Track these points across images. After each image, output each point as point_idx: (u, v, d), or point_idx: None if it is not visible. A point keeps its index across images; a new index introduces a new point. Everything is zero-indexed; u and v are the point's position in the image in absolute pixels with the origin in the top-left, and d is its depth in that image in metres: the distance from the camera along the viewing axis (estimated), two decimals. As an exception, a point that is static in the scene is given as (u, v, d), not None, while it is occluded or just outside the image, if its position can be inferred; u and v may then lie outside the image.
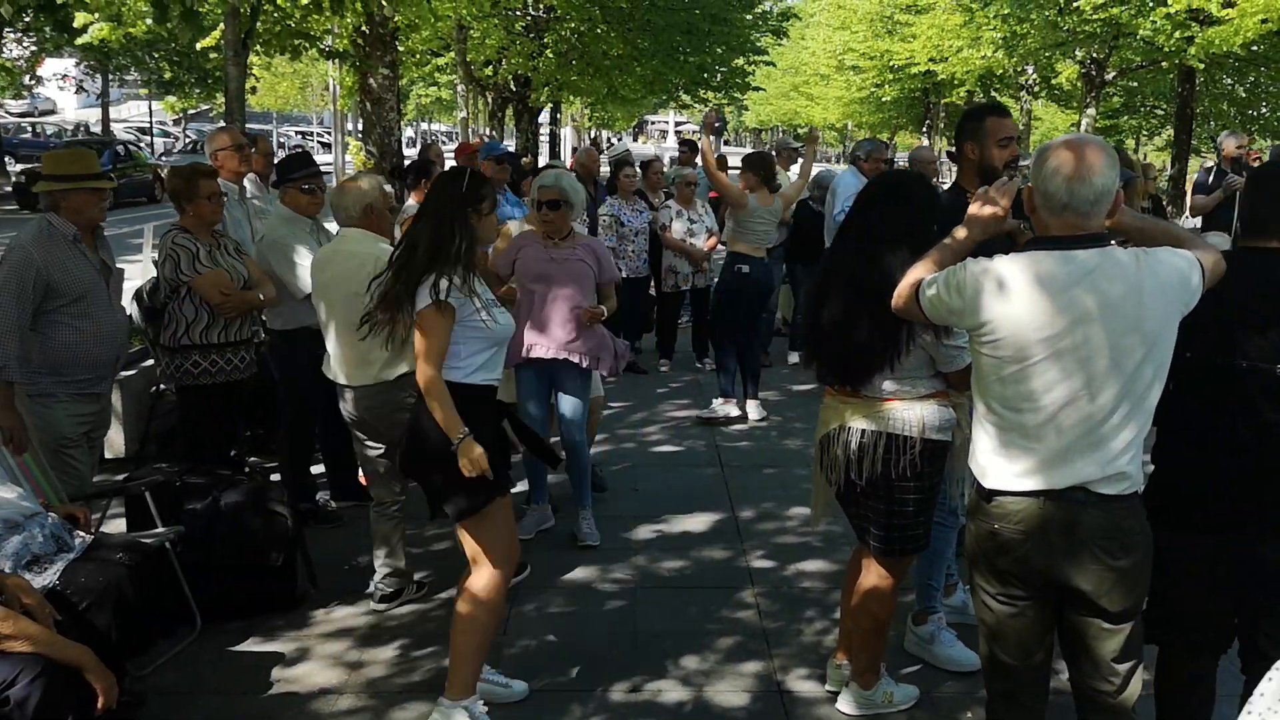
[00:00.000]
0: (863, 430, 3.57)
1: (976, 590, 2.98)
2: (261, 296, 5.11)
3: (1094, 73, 22.83)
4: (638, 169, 9.93)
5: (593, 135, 51.50)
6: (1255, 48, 19.84)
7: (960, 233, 3.05)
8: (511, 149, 15.82)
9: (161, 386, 6.52)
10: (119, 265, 4.96)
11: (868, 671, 3.89)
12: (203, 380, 5.03)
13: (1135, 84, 28.09)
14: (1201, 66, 19.55)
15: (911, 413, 3.53)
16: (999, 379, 2.75)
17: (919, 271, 3.02)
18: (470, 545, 3.72)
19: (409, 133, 49.36)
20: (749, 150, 14.79)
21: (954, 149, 4.36)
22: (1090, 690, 2.89)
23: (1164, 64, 21.31)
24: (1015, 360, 2.70)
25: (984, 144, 3.99)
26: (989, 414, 2.81)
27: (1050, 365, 2.66)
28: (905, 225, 3.46)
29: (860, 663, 3.89)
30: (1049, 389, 2.67)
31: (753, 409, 7.92)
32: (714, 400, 7.94)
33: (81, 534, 3.97)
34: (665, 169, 11.91)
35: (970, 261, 2.81)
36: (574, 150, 21.86)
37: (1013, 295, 2.68)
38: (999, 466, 2.79)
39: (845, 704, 3.93)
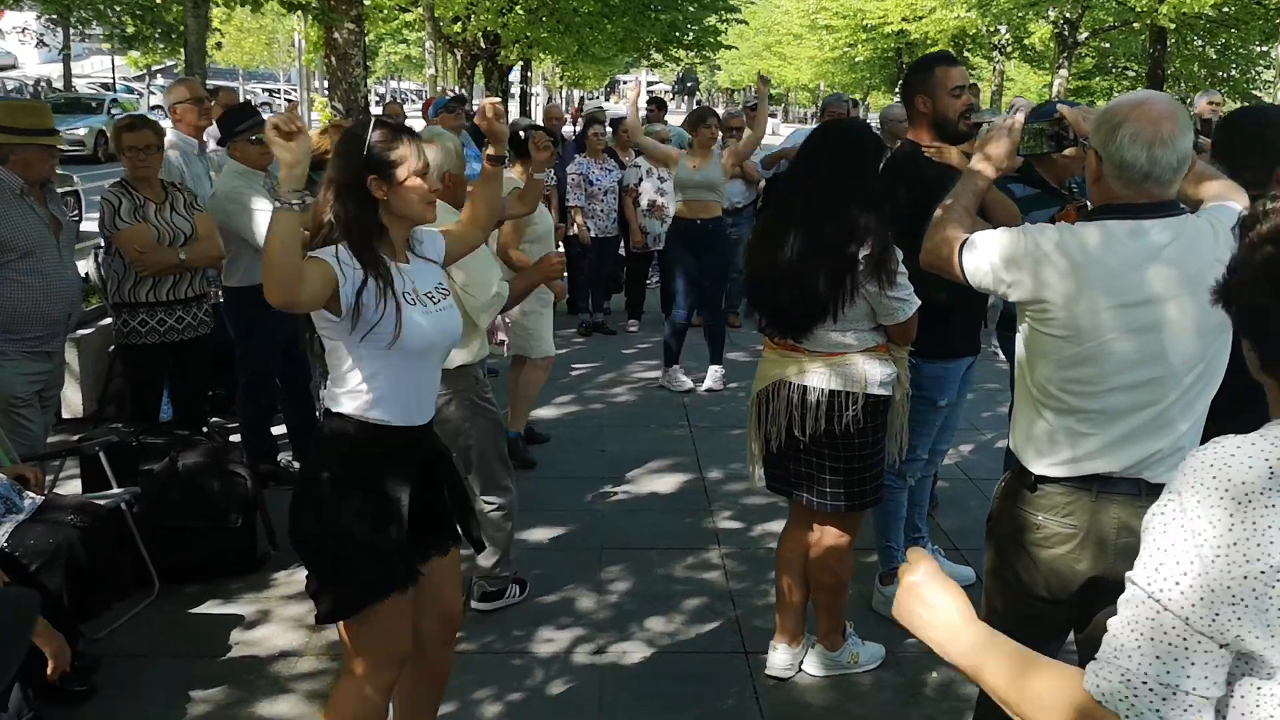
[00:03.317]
0: (805, 386, 3.52)
1: (996, 576, 2.75)
2: (182, 256, 4.88)
3: (1066, 33, 22.80)
4: (607, 127, 9.80)
5: (579, 98, 50.91)
6: (1226, 9, 19.87)
7: (976, 167, 2.85)
8: (469, 104, 15.61)
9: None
10: (85, 222, 4.83)
11: (832, 632, 3.87)
12: (132, 340, 4.93)
13: (1107, 45, 28.11)
14: (1173, 27, 19.55)
15: (854, 368, 3.49)
16: (1058, 359, 2.50)
17: (951, 227, 2.71)
18: (344, 643, 2.89)
19: (380, 90, 48.74)
20: (722, 110, 14.67)
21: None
22: None
23: (1136, 24, 21.29)
24: (1078, 340, 2.45)
25: (935, 94, 3.88)
26: (1042, 395, 2.56)
27: (1119, 346, 2.42)
28: (848, 171, 3.41)
29: (823, 624, 3.88)
30: (1117, 371, 2.44)
31: (709, 377, 7.75)
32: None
33: (32, 495, 3.87)
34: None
35: (1031, 229, 2.53)
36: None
37: (1079, 270, 2.43)
38: (1049, 452, 2.55)
39: (811, 665, 3.91)
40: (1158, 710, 1.30)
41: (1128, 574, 1.37)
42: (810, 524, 3.81)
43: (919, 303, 3.47)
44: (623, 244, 9.58)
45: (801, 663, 3.94)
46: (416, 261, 2.88)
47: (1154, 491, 2.46)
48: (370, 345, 2.67)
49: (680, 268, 7.61)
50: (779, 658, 3.92)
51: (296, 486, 2.89)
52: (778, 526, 5.20)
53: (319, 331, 2.74)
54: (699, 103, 51.28)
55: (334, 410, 2.76)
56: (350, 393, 2.73)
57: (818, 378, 3.50)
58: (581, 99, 46.81)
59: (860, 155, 3.46)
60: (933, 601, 1.60)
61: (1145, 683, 1.31)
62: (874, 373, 3.50)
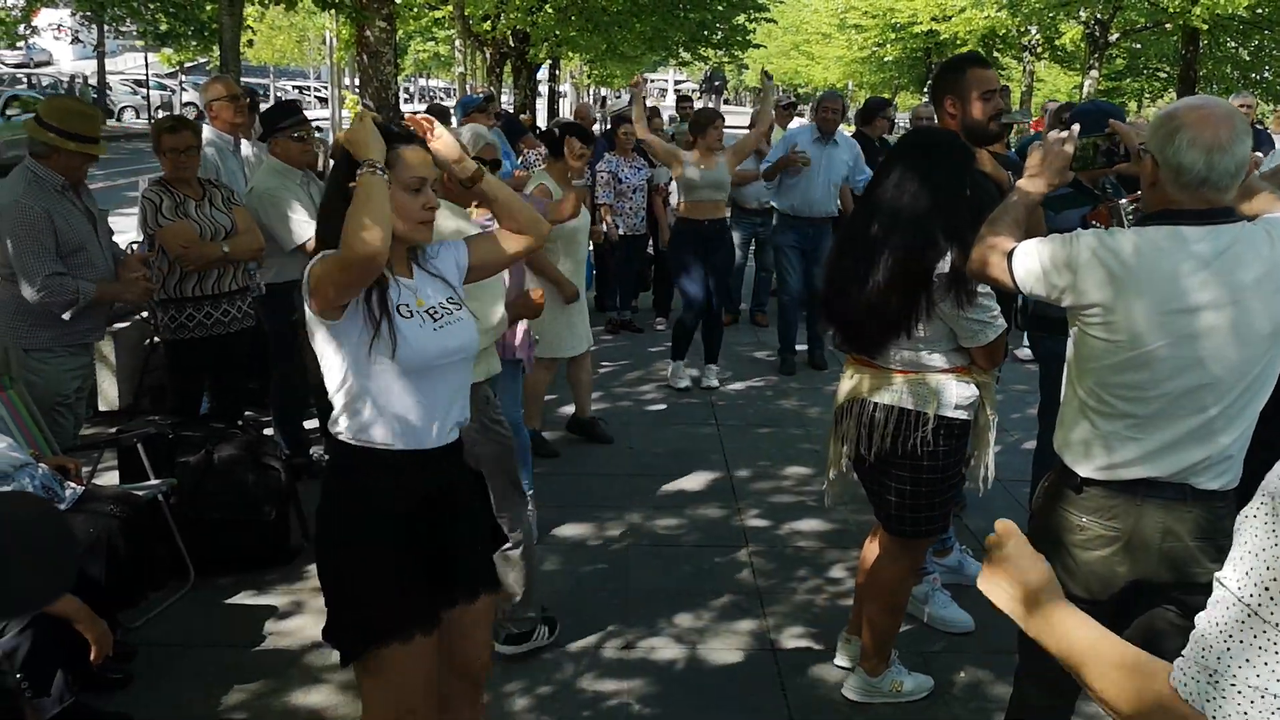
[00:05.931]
0: (875, 403, 3.40)
1: None
2: (225, 250, 4.92)
3: (1097, 34, 22.67)
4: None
5: (602, 95, 50.77)
6: (1260, 10, 19.68)
7: (1027, 185, 2.84)
8: (498, 102, 15.65)
9: (155, 339, 6.48)
10: (116, 217, 4.89)
11: (876, 658, 3.72)
12: (181, 335, 4.98)
13: (1139, 45, 27.90)
14: (1205, 28, 19.39)
15: (925, 387, 3.35)
16: (1107, 365, 2.50)
17: (998, 238, 2.72)
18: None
19: (410, 87, 48.89)
20: (749, 110, 14.70)
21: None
22: None
23: (1168, 25, 21.15)
24: (1129, 346, 2.45)
25: (966, 97, 3.73)
26: (1090, 398, 2.57)
27: (1169, 352, 2.41)
28: (924, 182, 3.25)
29: (868, 645, 3.73)
30: (1167, 378, 2.43)
31: (709, 375, 7.77)
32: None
33: (72, 485, 3.94)
34: (665, 126, 11.84)
35: (1083, 235, 2.52)
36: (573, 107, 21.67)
37: (1133, 276, 2.41)
38: (1095, 455, 2.56)
39: (850, 690, 3.78)
40: (1245, 712, 1.27)
41: (1216, 574, 1.35)
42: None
43: (1004, 325, 3.31)
44: (651, 242, 9.60)
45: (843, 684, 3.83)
46: (422, 275, 2.65)
47: (1200, 497, 2.48)
48: (356, 359, 2.47)
49: (689, 269, 7.55)
50: (844, 649, 3.95)
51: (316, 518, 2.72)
52: (805, 525, 5.24)
53: (312, 343, 2.55)
54: (726, 102, 51.00)
55: (332, 432, 2.57)
56: (342, 414, 2.53)
57: (889, 395, 3.38)
58: (604, 99, 46.66)
59: (938, 166, 3.29)
60: (1018, 576, 1.60)
61: (1234, 684, 1.28)
62: (950, 394, 3.35)
